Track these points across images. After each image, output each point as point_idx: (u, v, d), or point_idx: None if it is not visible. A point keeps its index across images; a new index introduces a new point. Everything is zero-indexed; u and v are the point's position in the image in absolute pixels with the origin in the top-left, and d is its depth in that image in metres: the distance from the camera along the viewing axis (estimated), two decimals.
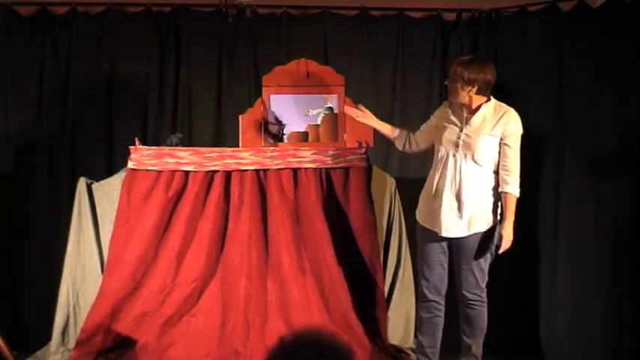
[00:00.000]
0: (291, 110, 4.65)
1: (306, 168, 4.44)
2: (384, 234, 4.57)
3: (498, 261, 4.03)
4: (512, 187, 3.89)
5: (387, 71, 5.01)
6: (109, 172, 4.66)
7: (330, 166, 4.45)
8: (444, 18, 5.00)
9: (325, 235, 4.38)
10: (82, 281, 4.42)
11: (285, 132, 4.62)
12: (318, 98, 4.66)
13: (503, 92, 4.19)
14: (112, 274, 4.30)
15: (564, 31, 4.53)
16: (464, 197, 3.86)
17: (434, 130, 4.07)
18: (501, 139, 3.88)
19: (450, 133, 3.92)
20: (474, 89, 3.86)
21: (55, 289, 4.39)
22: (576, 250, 4.39)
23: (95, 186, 4.47)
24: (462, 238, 3.90)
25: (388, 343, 4.40)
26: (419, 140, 4.18)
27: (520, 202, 3.91)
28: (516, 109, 3.94)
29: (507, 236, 3.88)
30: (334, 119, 4.63)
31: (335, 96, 4.63)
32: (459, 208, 3.87)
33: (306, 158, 4.44)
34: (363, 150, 4.48)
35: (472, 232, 3.89)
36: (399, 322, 4.53)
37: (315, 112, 4.67)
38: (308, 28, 4.96)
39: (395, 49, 4.99)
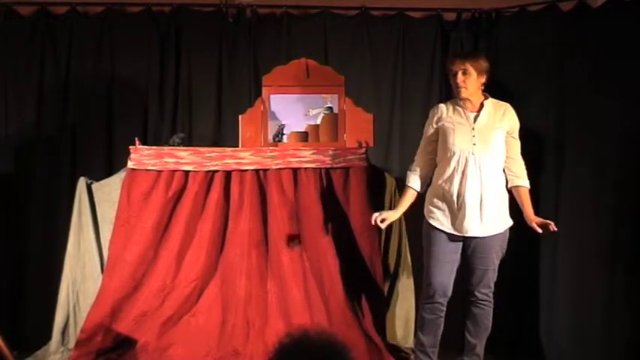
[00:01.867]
0: (291, 110, 4.66)
1: (306, 168, 4.44)
2: (384, 234, 4.56)
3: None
4: (524, 180, 3.95)
5: (387, 71, 5.00)
6: (109, 172, 4.67)
7: (330, 166, 4.45)
8: (444, 18, 4.99)
9: (325, 235, 4.38)
10: (82, 281, 4.42)
11: (285, 132, 4.63)
12: (318, 98, 4.66)
13: (503, 92, 4.19)
14: (112, 274, 4.30)
15: (564, 31, 4.53)
16: (486, 194, 3.85)
17: (435, 142, 4.00)
18: (508, 132, 3.91)
19: (462, 132, 3.90)
20: (483, 79, 3.91)
21: (55, 289, 4.39)
22: (576, 250, 4.39)
23: (95, 186, 4.47)
24: (481, 238, 3.89)
25: (388, 342, 4.40)
26: (428, 164, 4.02)
27: None
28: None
29: (538, 220, 3.86)
30: (334, 119, 4.62)
31: (335, 96, 4.63)
32: (482, 206, 3.85)
33: (306, 158, 4.44)
34: (363, 150, 4.47)
35: (492, 232, 3.89)
36: (399, 322, 4.53)
37: (315, 112, 4.67)
38: (308, 28, 4.96)
39: (395, 49, 4.98)
